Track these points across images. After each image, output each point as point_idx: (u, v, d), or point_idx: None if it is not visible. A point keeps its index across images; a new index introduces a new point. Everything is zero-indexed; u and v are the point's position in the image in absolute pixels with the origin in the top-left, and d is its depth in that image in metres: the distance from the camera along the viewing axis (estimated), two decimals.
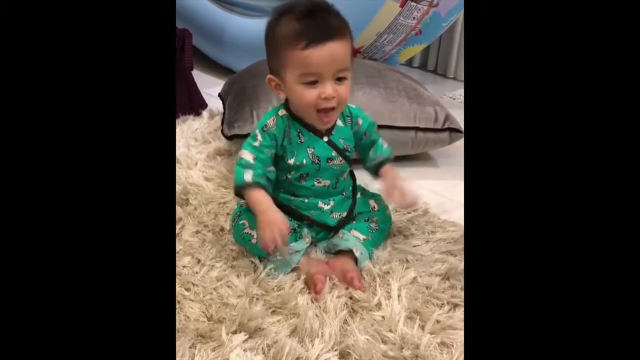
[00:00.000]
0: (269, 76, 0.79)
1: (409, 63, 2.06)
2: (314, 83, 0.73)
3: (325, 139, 0.81)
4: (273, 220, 0.74)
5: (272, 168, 0.80)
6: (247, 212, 0.81)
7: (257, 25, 1.64)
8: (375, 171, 0.88)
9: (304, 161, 0.80)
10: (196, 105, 1.42)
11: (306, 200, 0.82)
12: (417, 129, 1.16)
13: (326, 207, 0.83)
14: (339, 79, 0.74)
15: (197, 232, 0.89)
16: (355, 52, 1.51)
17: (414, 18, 1.38)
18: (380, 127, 1.13)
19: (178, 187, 1.00)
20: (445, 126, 1.17)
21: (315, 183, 0.82)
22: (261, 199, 0.77)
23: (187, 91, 1.41)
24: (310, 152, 0.80)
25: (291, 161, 0.80)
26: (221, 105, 1.26)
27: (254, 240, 0.78)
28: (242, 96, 1.14)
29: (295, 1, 0.76)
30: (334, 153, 0.81)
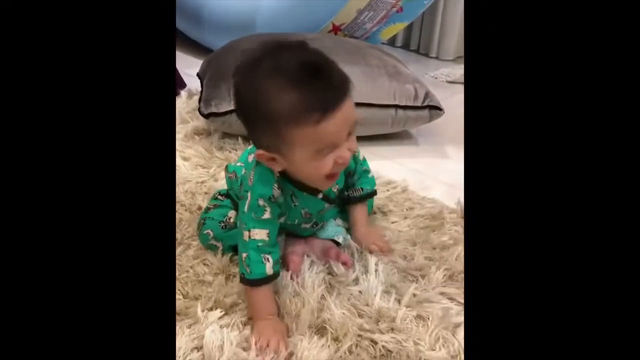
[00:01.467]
0: (259, 152, 0.64)
1: (392, 42, 2.04)
2: (328, 152, 0.62)
3: (320, 195, 0.72)
4: (272, 333, 0.63)
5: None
6: (212, 221, 0.77)
7: (237, 4, 1.61)
8: (346, 201, 0.82)
9: (296, 221, 0.74)
10: (175, 86, 1.39)
11: (288, 223, 0.75)
12: (397, 106, 1.15)
13: (308, 225, 0.78)
14: (348, 134, 0.63)
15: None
16: (335, 30, 1.49)
17: None
18: (360, 105, 1.12)
19: None
20: (425, 104, 1.16)
21: (304, 225, 0.77)
22: (267, 302, 0.66)
23: None
24: (303, 212, 0.74)
25: (282, 219, 0.72)
26: (200, 85, 1.24)
27: (220, 253, 0.76)
28: (219, 74, 1.12)
29: (270, 54, 0.61)
30: (326, 205, 0.76)
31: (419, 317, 0.68)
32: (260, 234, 0.67)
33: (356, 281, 0.73)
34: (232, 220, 0.77)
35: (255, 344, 0.62)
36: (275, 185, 0.68)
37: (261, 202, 0.67)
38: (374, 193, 0.85)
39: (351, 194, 0.82)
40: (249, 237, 0.67)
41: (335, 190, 0.77)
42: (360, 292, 0.71)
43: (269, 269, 0.67)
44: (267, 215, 0.67)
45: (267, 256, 0.67)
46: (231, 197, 0.80)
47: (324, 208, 0.77)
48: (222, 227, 0.77)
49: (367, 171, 0.83)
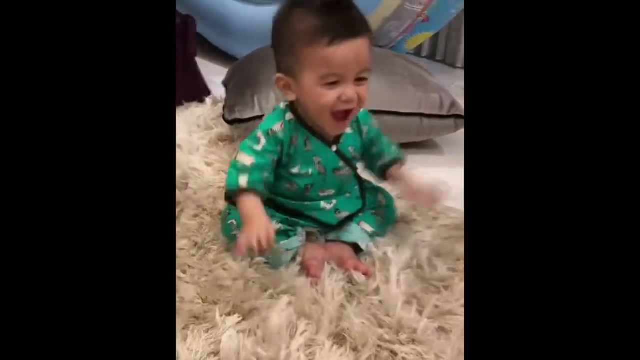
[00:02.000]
0: (278, 75, 0.71)
1: (417, 52, 2.03)
2: (334, 83, 0.67)
3: (334, 148, 0.75)
4: (257, 225, 0.66)
5: (270, 175, 0.73)
6: (236, 211, 0.75)
7: (263, 13, 1.62)
8: (381, 173, 0.81)
9: (310, 171, 0.74)
10: (200, 92, 1.41)
11: (307, 203, 0.77)
12: (422, 115, 1.14)
13: (329, 207, 0.78)
14: (360, 79, 0.68)
15: (196, 215, 0.88)
16: None
17: (420, 3, 1.36)
18: (385, 113, 1.11)
19: (178, 172, 0.99)
20: (451, 113, 1.14)
21: (320, 194, 0.77)
22: (251, 208, 0.69)
23: (191, 78, 1.40)
24: (317, 162, 0.74)
25: (295, 170, 0.74)
26: (224, 93, 1.25)
27: (238, 258, 0.74)
28: (244, 81, 1.13)
29: None
30: (341, 163, 0.76)
31: (441, 329, 0.66)
32: (244, 158, 0.71)
33: (377, 291, 0.72)
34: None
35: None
36: (280, 122, 0.72)
37: (259, 134, 0.72)
38: (403, 159, 0.81)
39: (382, 162, 0.80)
40: (236, 158, 0.72)
41: (351, 151, 0.77)
42: (380, 302, 0.70)
43: (242, 182, 0.69)
44: (258, 147, 0.71)
45: (244, 175, 0.69)
46: None
47: (340, 168, 0.76)
48: None
49: (389, 144, 0.82)
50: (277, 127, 0.72)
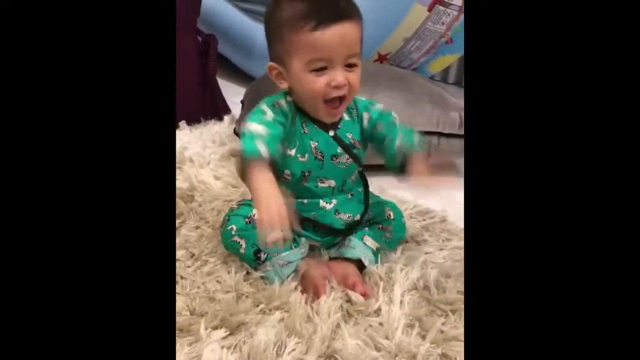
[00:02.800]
0: (270, 64, 0.71)
1: (444, 79, 2.00)
2: (322, 69, 0.67)
3: (331, 132, 0.73)
4: (266, 210, 0.60)
5: (280, 146, 0.68)
6: (236, 217, 0.74)
7: None
8: (400, 164, 0.72)
9: (306, 155, 0.72)
10: (218, 111, 1.41)
11: (305, 201, 0.74)
12: (439, 134, 1.09)
13: (329, 206, 0.75)
14: (350, 66, 0.67)
15: (197, 227, 0.85)
16: (381, 59, 1.47)
17: (442, 23, 1.33)
18: None
19: (185, 184, 0.97)
20: None
21: (319, 183, 0.74)
22: (264, 185, 0.62)
23: (210, 96, 1.41)
24: (313, 146, 0.72)
25: (292, 152, 0.72)
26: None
27: (242, 250, 0.72)
28: (258, 96, 1.12)
29: None
30: (339, 149, 0.73)
31: (444, 355, 0.60)
32: (256, 127, 0.66)
33: (378, 312, 0.66)
34: (256, 216, 0.72)
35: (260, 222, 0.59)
36: (283, 100, 0.71)
37: (264, 107, 0.70)
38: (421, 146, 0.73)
39: (399, 146, 0.72)
40: (247, 128, 0.67)
41: (349, 137, 0.74)
42: (380, 324, 0.64)
43: (263, 149, 0.63)
44: (267, 117, 0.68)
45: (261, 142, 0.64)
46: None
47: (338, 155, 0.73)
48: (246, 222, 0.72)
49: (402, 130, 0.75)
50: (281, 102, 0.71)
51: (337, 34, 0.65)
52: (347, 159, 0.74)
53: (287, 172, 0.74)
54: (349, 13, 0.67)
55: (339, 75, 0.66)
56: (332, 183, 0.75)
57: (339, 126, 0.74)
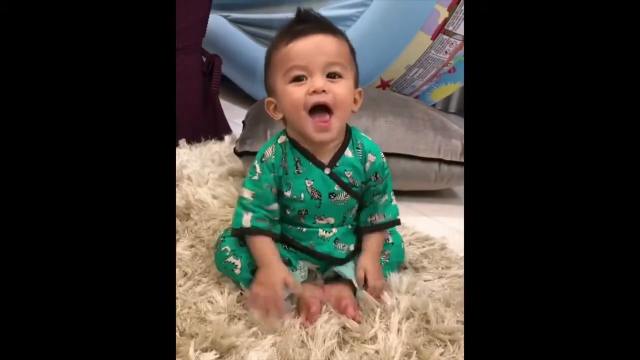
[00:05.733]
0: (267, 99, 0.71)
1: (445, 107, 2.01)
2: (300, 79, 0.65)
3: (327, 170, 0.70)
4: (271, 280, 0.65)
5: (274, 205, 0.71)
6: (231, 237, 0.73)
7: None
8: (363, 228, 0.75)
9: (302, 195, 0.70)
10: (220, 130, 1.41)
11: (304, 230, 0.72)
12: (441, 161, 1.08)
13: (328, 235, 0.73)
14: (332, 76, 0.66)
15: (191, 246, 0.83)
16: (384, 85, 1.47)
17: (446, 52, 1.34)
18: (402, 156, 1.07)
19: (182, 202, 0.96)
20: None
21: (317, 221, 0.72)
22: (263, 250, 0.69)
23: (212, 115, 1.41)
24: (309, 185, 0.70)
25: (287, 193, 0.70)
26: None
27: (237, 270, 0.70)
28: (259, 117, 1.12)
29: None
30: (337, 187, 0.70)
31: None
32: (246, 193, 0.71)
33: (374, 339, 0.64)
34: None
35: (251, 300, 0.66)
36: (271, 147, 0.71)
37: (255, 163, 0.72)
38: (397, 222, 0.76)
39: (373, 220, 0.75)
40: (240, 194, 0.73)
41: (348, 176, 0.71)
42: (376, 351, 0.62)
43: (246, 221, 0.70)
44: (256, 177, 0.71)
45: (248, 213, 0.70)
46: None
47: (336, 193, 0.71)
48: (241, 245, 0.71)
49: (390, 200, 0.76)
50: (269, 151, 0.71)
51: (310, 43, 0.66)
52: (346, 195, 0.72)
53: (286, 210, 0.72)
54: (325, 28, 0.68)
55: (317, 81, 0.65)
56: (331, 220, 0.73)
57: (337, 164, 0.71)
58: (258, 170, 0.71)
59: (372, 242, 0.74)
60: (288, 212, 0.73)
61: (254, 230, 0.69)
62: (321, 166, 0.70)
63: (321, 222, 0.72)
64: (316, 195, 0.70)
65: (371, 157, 0.73)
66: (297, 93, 0.65)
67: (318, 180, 0.70)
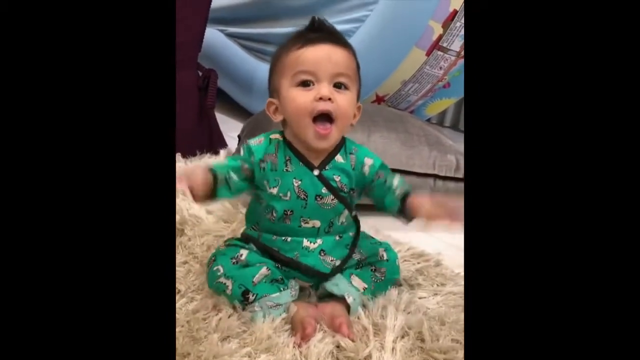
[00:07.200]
0: (269, 100, 0.73)
1: (440, 121, 2.02)
2: (308, 84, 0.67)
3: (316, 172, 0.71)
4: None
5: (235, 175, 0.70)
6: (223, 256, 0.72)
7: None
8: (400, 207, 0.71)
9: (288, 194, 0.70)
10: (215, 144, 1.41)
11: (289, 239, 0.72)
12: (436, 176, 1.09)
13: (313, 246, 0.72)
14: (339, 86, 0.68)
15: (185, 262, 0.83)
16: (379, 100, 1.48)
17: (440, 68, 1.35)
18: (396, 171, 1.07)
19: (176, 217, 0.95)
20: None
21: (302, 224, 0.71)
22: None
23: (208, 129, 1.41)
24: (296, 185, 0.70)
25: (274, 190, 0.70)
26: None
27: (228, 291, 0.69)
28: (254, 130, 1.12)
29: None
30: (324, 190, 0.71)
31: None
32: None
33: (369, 359, 0.64)
34: (243, 257, 0.72)
35: None
36: (261, 138, 0.73)
37: (240, 148, 0.75)
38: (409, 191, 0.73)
39: (399, 194, 0.72)
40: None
41: (337, 180, 0.72)
42: None
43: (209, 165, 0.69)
44: (235, 154, 0.76)
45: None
46: (242, 238, 0.77)
47: (323, 195, 0.71)
48: (232, 263, 0.71)
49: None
50: (256, 140, 0.73)
51: (321, 51, 0.68)
52: (333, 199, 0.72)
53: (269, 215, 0.72)
54: (337, 39, 0.70)
55: (323, 88, 0.67)
56: (317, 224, 0.72)
57: (327, 167, 0.72)
58: (242, 152, 0.73)
59: (421, 198, 0.70)
60: (274, 215, 0.72)
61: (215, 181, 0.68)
62: (311, 167, 0.71)
63: (307, 225, 0.72)
64: (302, 195, 0.70)
65: (368, 161, 0.74)
66: (302, 97, 0.67)
67: (306, 180, 0.71)
